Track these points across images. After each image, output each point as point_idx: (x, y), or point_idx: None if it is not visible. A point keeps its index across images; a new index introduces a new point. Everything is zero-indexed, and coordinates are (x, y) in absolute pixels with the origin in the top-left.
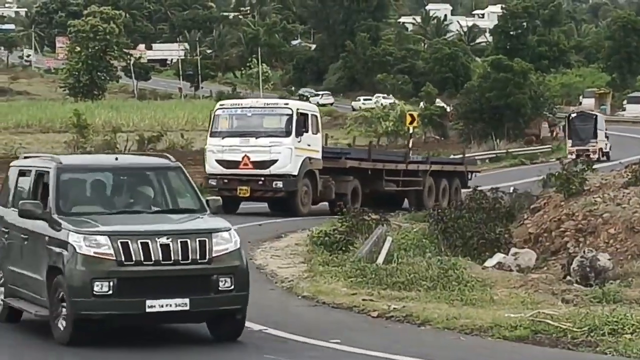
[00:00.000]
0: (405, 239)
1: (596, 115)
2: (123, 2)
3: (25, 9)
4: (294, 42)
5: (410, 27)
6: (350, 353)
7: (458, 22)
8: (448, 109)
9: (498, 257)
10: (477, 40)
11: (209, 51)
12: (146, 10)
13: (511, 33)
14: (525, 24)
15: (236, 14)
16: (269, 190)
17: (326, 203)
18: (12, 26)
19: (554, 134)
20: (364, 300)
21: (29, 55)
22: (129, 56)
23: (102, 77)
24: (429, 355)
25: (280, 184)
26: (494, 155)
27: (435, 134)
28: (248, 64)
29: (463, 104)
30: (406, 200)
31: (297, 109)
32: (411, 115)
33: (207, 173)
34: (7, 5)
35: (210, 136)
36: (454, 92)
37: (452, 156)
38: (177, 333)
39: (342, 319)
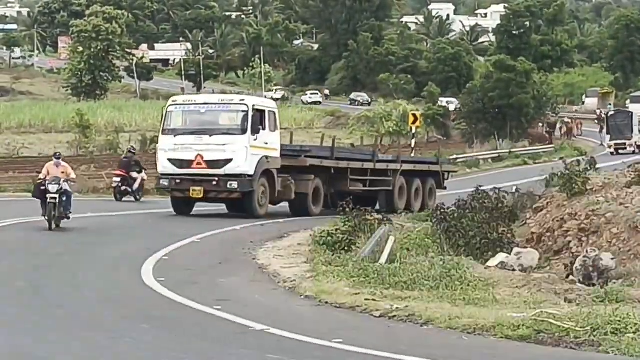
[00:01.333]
0: (408, 239)
1: (632, 113)
2: (125, 2)
3: (28, 9)
4: (296, 42)
5: (412, 26)
6: (353, 353)
7: (461, 21)
8: (453, 107)
9: (501, 256)
10: (480, 40)
11: (211, 51)
12: (149, 10)
13: (514, 32)
14: (528, 23)
15: (239, 13)
16: (223, 191)
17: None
18: (14, 26)
19: (562, 131)
20: (366, 300)
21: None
22: (131, 56)
23: (105, 77)
24: (432, 354)
25: (235, 185)
26: (497, 155)
27: (437, 133)
28: (250, 64)
29: (466, 104)
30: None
31: (253, 105)
32: (414, 115)
33: (159, 173)
34: (9, 5)
35: (162, 134)
36: (456, 91)
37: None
38: (180, 331)
39: (345, 319)
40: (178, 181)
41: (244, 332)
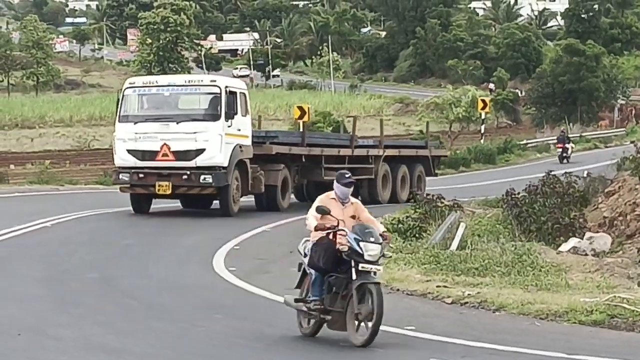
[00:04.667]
0: (479, 225)
1: None
2: None
3: (97, 2)
4: (364, 30)
5: (480, 12)
6: (426, 340)
7: (530, 4)
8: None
9: (573, 241)
10: (549, 24)
11: (279, 40)
12: (216, 0)
13: (583, 16)
14: (597, 6)
15: (306, 2)
16: (195, 186)
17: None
18: (83, 19)
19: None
20: (438, 286)
21: (101, 48)
22: (199, 47)
23: (174, 69)
24: (505, 341)
25: (209, 179)
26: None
27: (507, 119)
28: (318, 53)
29: (535, 89)
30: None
31: (226, 87)
32: (483, 101)
33: (117, 166)
34: None
35: (119, 121)
36: (526, 77)
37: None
38: (252, 320)
39: (417, 306)
40: (141, 175)
41: None
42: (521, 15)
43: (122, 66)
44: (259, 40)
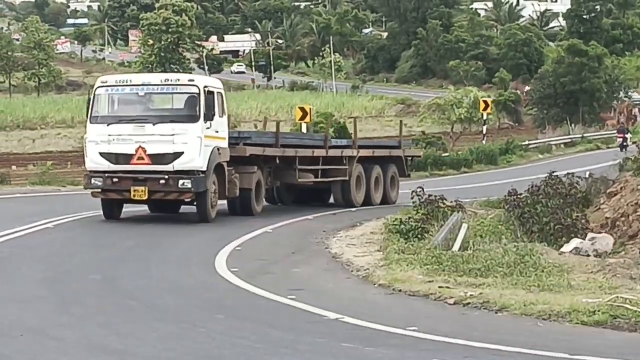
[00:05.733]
0: (481, 226)
1: None
2: None
3: (98, 3)
4: (365, 31)
5: (482, 12)
6: (428, 340)
7: (532, 4)
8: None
9: (575, 242)
10: (550, 25)
11: (280, 41)
12: (218, 1)
13: (584, 17)
14: (598, 7)
15: (307, 3)
16: (173, 191)
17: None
18: (85, 20)
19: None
20: (440, 287)
21: (102, 49)
22: (201, 48)
23: (175, 70)
24: (507, 341)
25: (188, 184)
26: (569, 140)
27: (509, 120)
28: (320, 54)
29: (537, 90)
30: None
31: (205, 87)
32: (485, 102)
33: (88, 170)
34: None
35: (91, 123)
36: (527, 77)
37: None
38: (254, 321)
39: (419, 307)
40: (115, 180)
41: (318, 321)
42: (523, 16)
43: (123, 67)
44: (260, 41)
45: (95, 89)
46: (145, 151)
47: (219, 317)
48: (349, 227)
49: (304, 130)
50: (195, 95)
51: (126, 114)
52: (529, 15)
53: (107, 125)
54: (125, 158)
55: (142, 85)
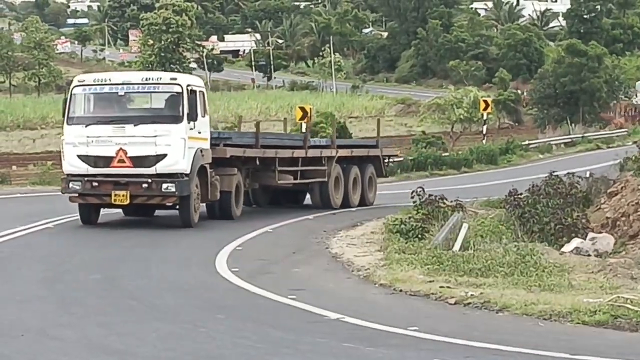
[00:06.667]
0: (482, 226)
1: None
2: None
3: (98, 3)
4: (365, 31)
5: (482, 12)
6: (429, 340)
7: (533, 4)
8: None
9: (576, 242)
10: (550, 25)
11: (280, 41)
12: (218, 1)
13: (584, 16)
14: (598, 6)
15: (307, 3)
16: (155, 196)
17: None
18: (85, 20)
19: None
20: (441, 287)
21: (102, 49)
22: (201, 48)
23: (176, 69)
24: (508, 341)
25: (172, 188)
26: (570, 140)
27: (509, 119)
28: (320, 54)
29: (537, 90)
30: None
31: (188, 85)
32: (485, 102)
33: (66, 173)
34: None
35: (68, 124)
36: (527, 77)
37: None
38: (255, 321)
39: (420, 307)
40: (95, 184)
41: (319, 321)
42: (523, 16)
43: (124, 67)
44: (260, 41)
45: (72, 88)
46: (126, 153)
47: (220, 317)
48: (350, 227)
49: (303, 130)
50: (179, 94)
51: (105, 114)
52: (529, 15)
53: (85, 126)
54: (105, 161)
55: (122, 84)
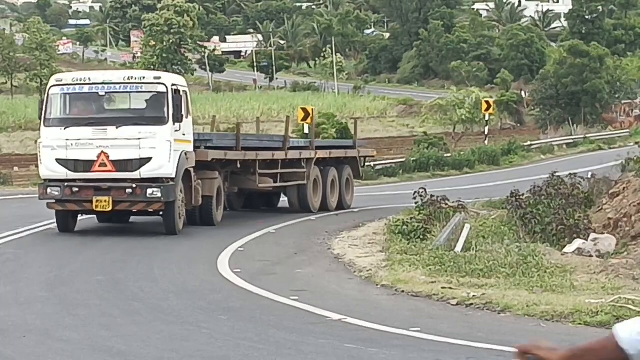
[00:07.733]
0: (484, 226)
1: None
2: None
3: (100, 4)
4: (367, 32)
5: (484, 13)
6: (431, 341)
7: (534, 5)
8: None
9: (577, 242)
10: (552, 26)
11: (282, 42)
12: (220, 2)
13: (586, 17)
14: (600, 7)
15: (309, 4)
16: (140, 201)
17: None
18: (87, 21)
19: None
20: (443, 288)
21: (104, 50)
22: (203, 49)
23: (177, 70)
24: (510, 342)
25: (158, 193)
26: (571, 141)
27: (511, 120)
28: (322, 54)
29: (539, 90)
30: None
31: (172, 85)
32: (487, 103)
33: (44, 178)
34: (82, 1)
35: (45, 125)
36: (529, 78)
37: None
38: (257, 322)
39: (422, 307)
40: (76, 189)
41: (321, 322)
42: (525, 17)
43: (125, 68)
44: (262, 42)
45: (49, 89)
46: (108, 157)
47: (222, 318)
48: (352, 228)
49: (306, 131)
50: (163, 94)
51: (85, 115)
52: (531, 16)
53: (64, 128)
54: (86, 165)
55: (103, 83)
